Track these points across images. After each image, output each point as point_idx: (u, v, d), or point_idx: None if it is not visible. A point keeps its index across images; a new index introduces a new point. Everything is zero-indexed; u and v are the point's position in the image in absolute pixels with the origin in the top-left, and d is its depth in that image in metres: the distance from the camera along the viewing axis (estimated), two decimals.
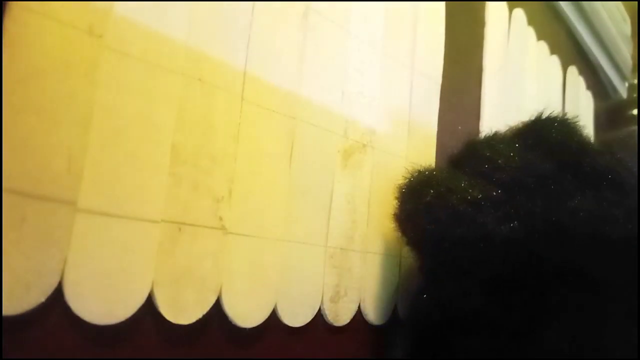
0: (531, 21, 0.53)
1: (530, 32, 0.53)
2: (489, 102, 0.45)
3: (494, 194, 0.27)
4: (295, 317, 0.27)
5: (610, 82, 0.73)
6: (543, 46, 0.56)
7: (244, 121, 0.25)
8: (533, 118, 0.31)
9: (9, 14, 0.17)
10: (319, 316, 0.29)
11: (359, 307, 0.31)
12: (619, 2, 0.72)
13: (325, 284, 0.29)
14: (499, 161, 0.28)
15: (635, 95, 0.77)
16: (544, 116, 0.31)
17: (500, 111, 0.46)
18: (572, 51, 0.64)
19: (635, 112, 0.73)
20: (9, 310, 0.17)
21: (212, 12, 0.24)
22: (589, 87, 0.67)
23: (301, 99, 0.28)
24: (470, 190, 0.27)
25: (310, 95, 0.29)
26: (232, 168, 0.24)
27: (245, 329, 0.25)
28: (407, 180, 0.30)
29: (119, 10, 0.21)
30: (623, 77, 0.76)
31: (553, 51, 0.57)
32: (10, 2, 0.17)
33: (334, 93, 0.30)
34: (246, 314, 0.25)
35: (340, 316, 0.30)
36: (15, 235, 0.17)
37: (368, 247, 0.32)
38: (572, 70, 0.61)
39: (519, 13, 0.51)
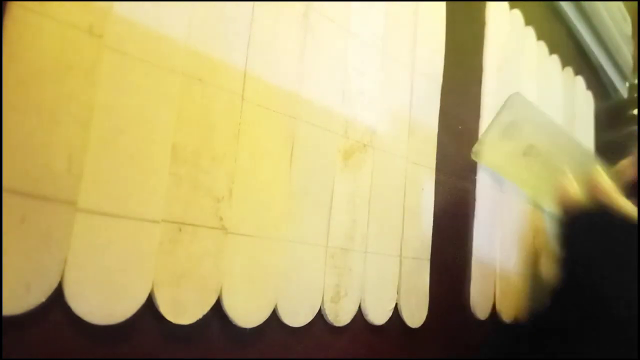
0: (531, 21, 0.53)
1: (530, 32, 0.53)
2: (489, 102, 0.45)
3: None
4: (296, 317, 0.27)
5: (611, 82, 0.73)
6: (542, 46, 0.56)
7: (244, 121, 0.25)
8: None
9: (9, 14, 0.17)
10: (319, 316, 0.29)
11: (359, 307, 0.31)
12: (620, 2, 0.72)
13: (325, 284, 0.29)
14: None
15: (636, 95, 0.77)
16: None
17: None
18: (572, 51, 0.64)
19: (635, 112, 0.73)
20: (9, 310, 0.17)
21: (212, 12, 0.24)
22: (589, 87, 0.67)
23: (301, 99, 0.28)
24: None
25: (310, 95, 0.29)
26: (232, 168, 0.24)
27: (245, 329, 0.25)
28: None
29: (119, 10, 0.21)
30: (623, 77, 0.76)
31: (553, 51, 0.57)
32: (10, 2, 0.17)
33: (334, 93, 0.30)
34: (246, 314, 0.25)
35: (341, 316, 0.30)
36: (15, 235, 0.17)
37: (368, 247, 0.32)
38: (568, 71, 0.61)
39: (516, 14, 0.51)
